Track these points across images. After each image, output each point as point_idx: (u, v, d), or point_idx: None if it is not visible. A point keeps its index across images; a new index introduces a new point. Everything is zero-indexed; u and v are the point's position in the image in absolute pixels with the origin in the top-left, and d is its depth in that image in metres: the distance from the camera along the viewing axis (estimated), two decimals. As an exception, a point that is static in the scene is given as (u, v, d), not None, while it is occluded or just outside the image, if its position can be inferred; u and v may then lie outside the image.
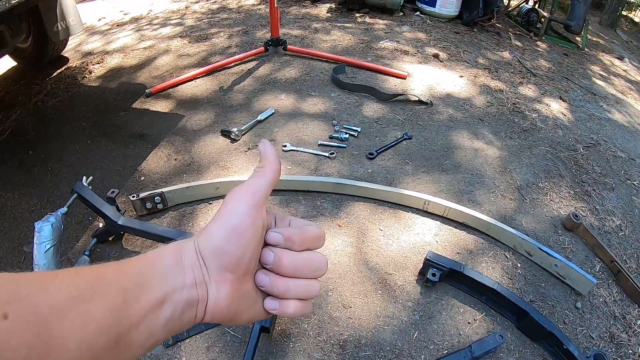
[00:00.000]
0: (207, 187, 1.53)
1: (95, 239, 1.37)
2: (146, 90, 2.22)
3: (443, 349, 1.14)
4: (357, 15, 3.50)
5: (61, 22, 2.04)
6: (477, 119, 2.15)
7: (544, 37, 3.70)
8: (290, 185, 1.59)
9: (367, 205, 1.56)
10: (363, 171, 1.72)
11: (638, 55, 4.65)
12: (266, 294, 0.37)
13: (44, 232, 1.14)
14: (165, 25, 3.31)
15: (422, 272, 1.29)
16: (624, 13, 6.84)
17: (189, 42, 2.90)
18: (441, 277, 1.24)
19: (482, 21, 3.55)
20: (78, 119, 2.08)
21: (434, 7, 3.55)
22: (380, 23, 3.34)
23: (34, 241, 1.14)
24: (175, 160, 1.78)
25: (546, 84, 2.73)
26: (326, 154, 1.79)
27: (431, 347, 1.14)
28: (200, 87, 2.31)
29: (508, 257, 1.41)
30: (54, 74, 2.55)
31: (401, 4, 3.58)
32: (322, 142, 1.86)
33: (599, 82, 3.06)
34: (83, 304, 0.26)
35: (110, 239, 1.40)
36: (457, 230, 1.48)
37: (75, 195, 1.29)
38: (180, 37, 2.99)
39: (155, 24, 3.38)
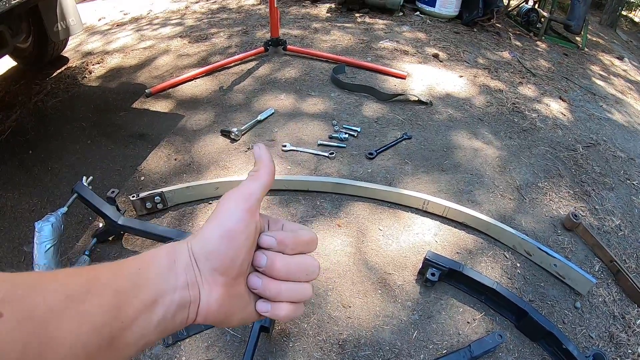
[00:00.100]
0: (207, 187, 1.54)
1: (95, 239, 1.37)
2: (146, 90, 2.22)
3: (442, 349, 1.14)
4: (357, 15, 3.50)
5: (61, 22, 2.04)
6: (477, 119, 2.15)
7: (543, 37, 3.70)
8: (290, 185, 1.59)
9: (367, 205, 1.56)
10: (363, 171, 1.73)
11: (638, 55, 4.65)
12: (258, 297, 0.37)
13: (44, 232, 1.15)
14: (165, 25, 3.31)
15: (422, 272, 1.29)
16: (624, 13, 6.84)
17: (189, 42, 2.90)
18: (440, 276, 1.24)
19: (482, 21, 3.56)
20: (78, 119, 2.08)
21: (434, 7, 3.55)
22: (380, 23, 3.34)
23: (34, 241, 1.15)
24: (175, 160, 1.78)
25: (546, 83, 2.74)
26: (326, 154, 1.79)
27: (430, 347, 1.15)
28: (200, 87, 2.31)
29: (507, 256, 1.41)
30: (54, 74, 2.55)
31: (401, 3, 3.58)
32: (321, 142, 1.86)
33: (598, 82, 3.06)
34: (78, 303, 0.26)
35: (110, 238, 1.40)
36: (457, 230, 1.49)
37: (75, 195, 1.29)
38: (180, 37, 3.00)
39: (155, 24, 3.38)
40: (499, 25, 3.68)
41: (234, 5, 3.78)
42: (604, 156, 2.03)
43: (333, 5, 3.65)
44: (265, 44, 2.57)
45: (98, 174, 1.69)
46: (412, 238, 1.45)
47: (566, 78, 2.92)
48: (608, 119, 2.46)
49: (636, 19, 7.70)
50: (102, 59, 2.70)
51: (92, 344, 0.26)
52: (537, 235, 1.51)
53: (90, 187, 1.33)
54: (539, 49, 3.43)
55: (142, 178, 1.69)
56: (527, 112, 2.27)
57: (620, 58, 3.94)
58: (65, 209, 1.25)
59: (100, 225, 1.43)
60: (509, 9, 4.24)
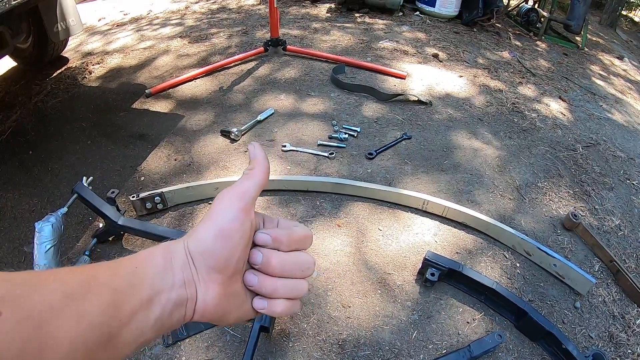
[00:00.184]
0: (206, 187, 1.54)
1: (95, 239, 1.37)
2: (146, 91, 2.22)
3: (442, 349, 1.14)
4: (357, 15, 3.50)
5: (61, 23, 2.04)
6: (477, 119, 2.15)
7: (543, 37, 3.70)
8: (289, 185, 1.59)
9: (367, 205, 1.57)
10: (362, 171, 1.73)
11: (638, 55, 4.65)
12: (255, 294, 0.38)
13: (45, 232, 1.15)
14: (165, 26, 3.32)
15: (421, 272, 1.30)
16: (623, 13, 6.84)
17: (189, 42, 2.90)
18: (440, 276, 1.24)
19: (481, 21, 3.56)
20: (78, 119, 2.08)
21: (434, 7, 3.55)
22: (379, 23, 3.34)
23: (35, 241, 1.15)
24: (175, 160, 1.78)
25: (546, 83, 2.74)
26: (326, 154, 1.79)
27: (430, 347, 1.15)
28: (200, 87, 2.31)
29: (507, 256, 1.41)
30: (54, 74, 2.55)
31: (401, 3, 3.58)
32: (321, 142, 1.86)
33: (598, 81, 3.06)
34: (76, 302, 0.27)
35: (110, 239, 1.40)
36: (456, 230, 1.49)
37: (75, 195, 1.29)
38: (180, 37, 3.00)
39: (155, 24, 3.39)
40: (499, 25, 3.68)
41: (233, 6, 3.78)
42: (604, 156, 2.03)
43: (333, 5, 3.65)
44: (265, 44, 2.57)
45: (98, 174, 1.70)
46: (412, 238, 1.45)
47: (566, 78, 2.92)
48: (608, 118, 2.46)
49: (636, 19, 7.70)
50: (102, 59, 2.70)
51: (90, 342, 0.27)
52: (536, 235, 1.52)
53: (91, 188, 1.33)
54: (539, 49, 3.43)
55: (142, 178, 1.69)
56: (526, 112, 2.28)
57: (620, 58, 3.94)
58: (65, 209, 1.25)
59: (101, 225, 1.43)
60: (509, 9, 4.24)
